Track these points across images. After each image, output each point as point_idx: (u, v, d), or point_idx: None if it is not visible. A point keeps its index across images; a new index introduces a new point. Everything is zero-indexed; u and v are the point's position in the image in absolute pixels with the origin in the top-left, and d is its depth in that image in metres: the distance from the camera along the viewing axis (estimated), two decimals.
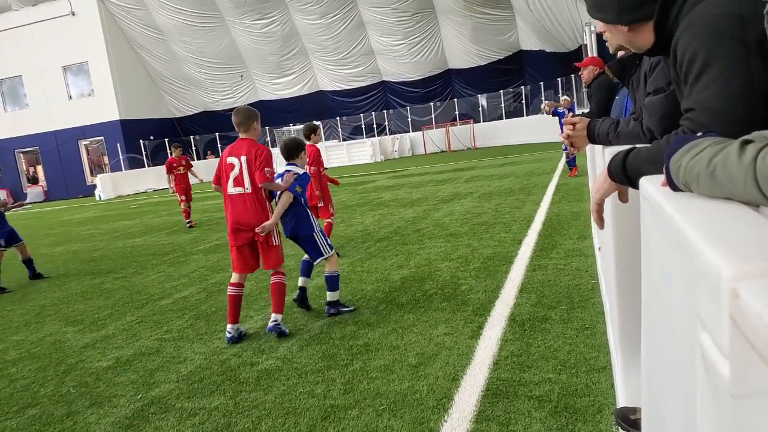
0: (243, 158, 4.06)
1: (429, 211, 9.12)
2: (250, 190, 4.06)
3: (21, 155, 34.98)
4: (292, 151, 4.47)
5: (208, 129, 35.45)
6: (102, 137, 32.99)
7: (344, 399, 2.94)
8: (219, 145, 34.26)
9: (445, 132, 29.82)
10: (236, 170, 4.07)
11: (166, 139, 32.52)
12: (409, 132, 32.20)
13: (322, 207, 6.56)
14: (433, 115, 32.11)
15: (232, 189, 4.10)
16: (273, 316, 4.07)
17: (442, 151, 29.53)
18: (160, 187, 28.15)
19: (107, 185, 27.54)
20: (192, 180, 11.91)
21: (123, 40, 33.25)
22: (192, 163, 12.47)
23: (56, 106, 33.05)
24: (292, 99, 35.20)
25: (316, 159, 6.52)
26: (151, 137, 33.28)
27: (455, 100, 32.18)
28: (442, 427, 2.55)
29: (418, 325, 3.90)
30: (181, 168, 11.68)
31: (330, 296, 4.40)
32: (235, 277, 4.18)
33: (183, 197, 11.44)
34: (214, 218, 12.18)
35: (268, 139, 33.70)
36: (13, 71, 33.52)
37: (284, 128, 33.92)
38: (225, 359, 3.75)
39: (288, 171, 4.34)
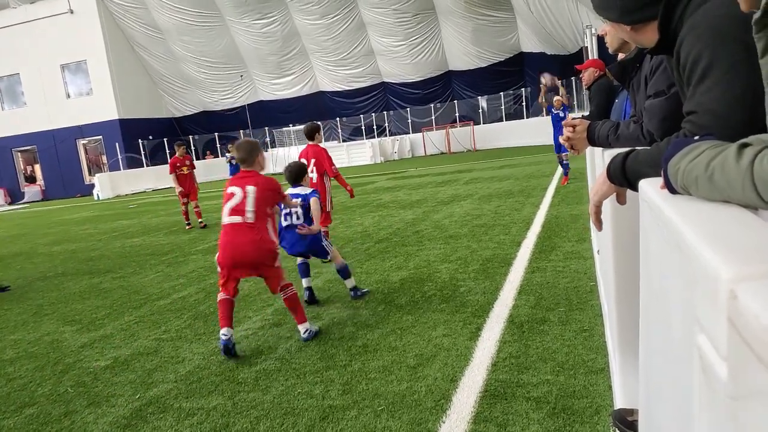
0: (250, 188, 3.80)
1: (428, 213, 9.12)
2: (251, 219, 3.76)
3: (19, 154, 34.92)
4: (299, 175, 4.72)
5: (208, 129, 35.41)
6: (100, 136, 32.93)
7: (342, 399, 2.95)
8: (218, 145, 34.22)
9: (445, 134, 29.84)
10: (237, 199, 3.80)
11: (165, 139, 32.51)
12: (409, 133, 32.20)
13: (328, 212, 6.40)
14: (433, 117, 32.11)
15: (227, 218, 3.81)
16: (300, 327, 3.93)
17: (442, 153, 29.53)
18: (159, 187, 28.14)
19: (105, 185, 27.52)
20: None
21: (122, 38, 33.20)
22: (194, 163, 11.80)
23: (54, 104, 32.97)
24: (291, 99, 35.19)
25: (328, 158, 6.36)
26: (150, 137, 33.23)
27: (455, 101, 32.19)
28: (440, 428, 2.55)
29: (417, 327, 3.90)
30: (185, 168, 11.02)
31: (348, 284, 4.76)
32: (223, 294, 3.86)
33: (184, 200, 11.00)
34: (213, 219, 12.17)
35: (268, 139, 33.68)
36: (10, 69, 33.42)
37: (284, 129, 33.90)
38: (223, 359, 3.74)
39: (298, 195, 4.58)
